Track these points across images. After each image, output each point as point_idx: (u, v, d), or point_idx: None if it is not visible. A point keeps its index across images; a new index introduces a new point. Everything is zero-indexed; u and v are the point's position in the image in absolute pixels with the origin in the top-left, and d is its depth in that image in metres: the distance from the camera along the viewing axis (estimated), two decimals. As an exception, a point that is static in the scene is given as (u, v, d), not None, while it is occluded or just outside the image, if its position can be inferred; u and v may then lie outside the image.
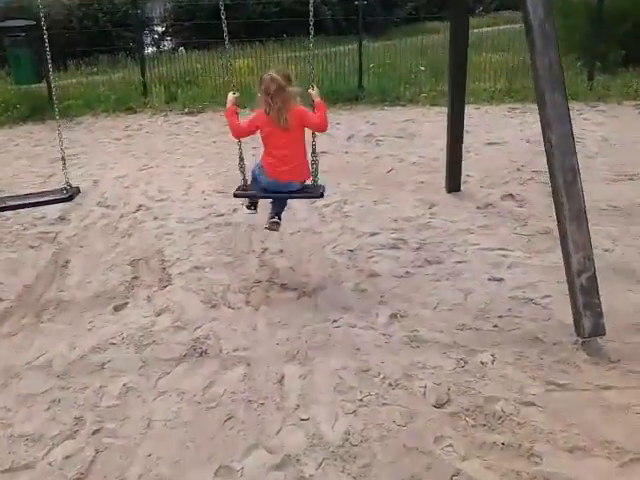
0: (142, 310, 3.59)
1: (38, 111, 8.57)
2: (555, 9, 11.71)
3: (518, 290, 3.62)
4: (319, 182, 3.78)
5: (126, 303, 3.69)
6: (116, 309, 3.62)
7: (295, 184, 3.75)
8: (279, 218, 3.90)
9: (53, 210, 5.11)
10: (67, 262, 4.34)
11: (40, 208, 4.83)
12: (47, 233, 4.85)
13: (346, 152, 6.57)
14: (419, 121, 7.79)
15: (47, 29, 3.79)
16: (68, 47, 12.53)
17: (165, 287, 3.87)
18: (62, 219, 5.10)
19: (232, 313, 3.53)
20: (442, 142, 6.68)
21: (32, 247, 4.62)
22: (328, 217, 4.85)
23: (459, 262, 4.01)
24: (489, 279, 3.76)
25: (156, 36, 18.16)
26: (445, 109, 8.57)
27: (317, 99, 3.73)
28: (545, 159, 3.24)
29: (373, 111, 8.45)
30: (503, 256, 4.06)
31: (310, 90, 3.78)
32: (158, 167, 6.30)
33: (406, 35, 12.86)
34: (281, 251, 4.36)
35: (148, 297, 3.74)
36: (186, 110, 8.76)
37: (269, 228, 3.85)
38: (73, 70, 11.48)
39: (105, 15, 15.14)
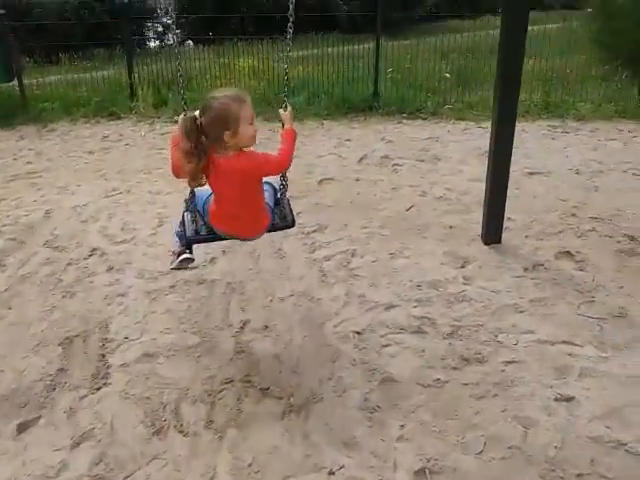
0: (55, 435, 2.50)
1: (7, 115, 7.50)
2: (595, 8, 10.57)
3: (599, 422, 2.49)
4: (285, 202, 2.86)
5: (38, 418, 2.60)
6: (20, 429, 2.54)
7: (255, 237, 2.87)
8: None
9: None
10: (-16, 333, 3.29)
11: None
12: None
13: (357, 179, 5.44)
14: (444, 140, 6.63)
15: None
16: (62, 39, 11.53)
17: (98, 390, 2.78)
18: (-4, 264, 4.04)
19: (183, 445, 2.44)
20: (471, 169, 5.60)
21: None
22: (330, 276, 3.74)
23: (509, 362, 2.88)
24: (556, 399, 2.64)
25: (160, 29, 17.11)
26: (472, 125, 7.56)
27: (287, 125, 2.70)
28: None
29: (389, 125, 7.30)
30: (569, 355, 2.93)
31: (281, 110, 2.75)
32: (129, 193, 5.20)
33: (425, 34, 11.70)
34: (266, 327, 3.26)
35: (70, 409, 2.65)
36: (176, 118, 7.64)
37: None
38: (67, 65, 10.42)
39: (102, 4, 14.13)
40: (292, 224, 2.85)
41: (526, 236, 4.20)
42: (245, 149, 2.54)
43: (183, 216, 2.85)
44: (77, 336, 3.22)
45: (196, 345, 3.11)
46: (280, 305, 3.46)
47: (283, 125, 2.71)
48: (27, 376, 2.89)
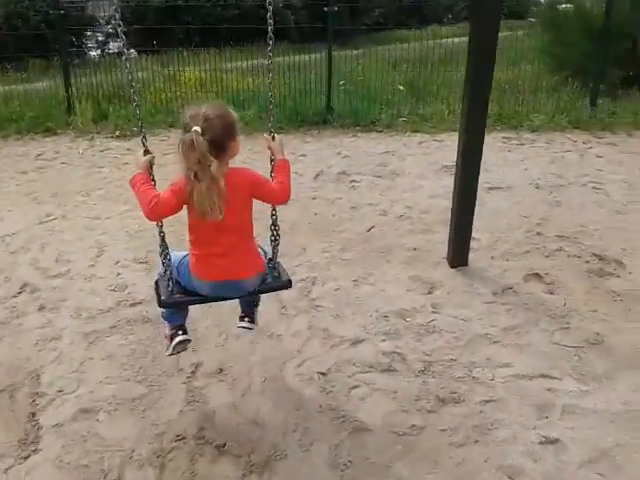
0: (-29, 523, 2.11)
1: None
2: (542, 19, 10.71)
3: (589, 468, 2.30)
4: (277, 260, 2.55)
5: (-50, 501, 2.21)
6: None
7: (251, 281, 2.43)
8: (251, 320, 2.71)
9: None
10: None
11: None
12: None
13: (314, 198, 5.17)
14: (400, 154, 6.45)
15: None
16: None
17: (26, 459, 2.39)
18: None
19: (128, 526, 2.10)
20: (431, 184, 5.44)
21: None
22: (290, 307, 3.44)
23: (487, 401, 2.67)
24: (540, 442, 2.43)
25: (101, 38, 16.42)
26: (428, 137, 7.42)
27: (279, 156, 2.43)
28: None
29: (345, 138, 7.08)
30: (549, 390, 2.74)
31: (267, 138, 2.47)
32: (64, 218, 4.74)
33: (373, 43, 11.62)
34: (220, 371, 2.93)
35: (-9, 486, 2.26)
36: (117, 133, 7.21)
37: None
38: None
39: (37, 15, 13.42)
40: (289, 284, 2.53)
41: (492, 257, 4.03)
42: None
43: (157, 284, 2.46)
44: (2, 391, 2.80)
45: (141, 396, 2.75)
46: (236, 344, 3.14)
47: (272, 158, 2.43)
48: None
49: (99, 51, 15.11)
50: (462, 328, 3.21)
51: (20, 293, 3.65)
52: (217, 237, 2.26)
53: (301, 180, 5.55)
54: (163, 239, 2.35)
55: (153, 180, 2.31)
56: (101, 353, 3.05)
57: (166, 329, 2.56)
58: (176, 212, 2.23)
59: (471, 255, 3.96)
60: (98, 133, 7.30)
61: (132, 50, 13.45)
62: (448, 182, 4.44)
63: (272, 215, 2.50)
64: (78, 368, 2.94)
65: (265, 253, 2.54)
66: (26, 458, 2.38)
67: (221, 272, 2.31)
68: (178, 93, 8.46)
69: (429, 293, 3.59)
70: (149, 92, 8.32)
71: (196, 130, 2.05)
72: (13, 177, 5.81)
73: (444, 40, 10.29)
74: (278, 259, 2.54)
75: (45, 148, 6.76)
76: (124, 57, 2.33)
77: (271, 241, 2.52)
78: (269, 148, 2.44)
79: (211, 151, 2.06)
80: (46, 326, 3.30)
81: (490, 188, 5.30)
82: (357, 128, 7.43)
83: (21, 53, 10.65)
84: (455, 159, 3.82)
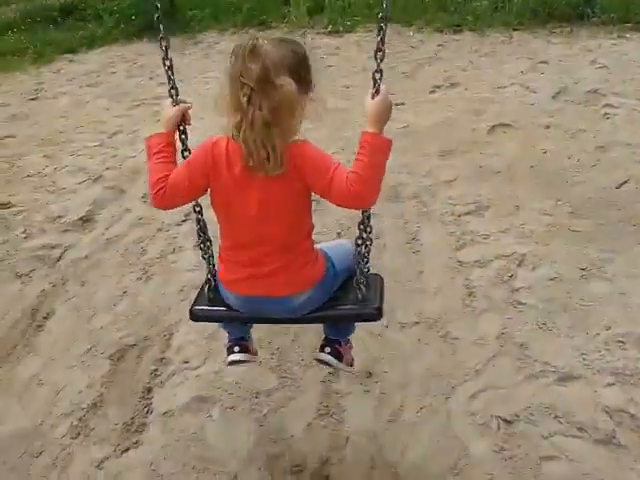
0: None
1: (155, 24, 6.92)
2: None
3: None
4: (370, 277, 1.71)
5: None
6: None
7: (297, 301, 1.63)
8: (335, 353, 1.84)
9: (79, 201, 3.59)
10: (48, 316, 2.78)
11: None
12: (52, 248, 3.29)
13: (547, 127, 3.90)
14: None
15: None
16: None
17: (123, 453, 2.05)
18: (85, 221, 3.51)
19: None
20: None
21: (19, 276, 3.10)
22: (480, 297, 2.51)
23: None
24: None
25: None
26: None
27: (373, 126, 1.48)
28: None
29: (606, 41, 5.32)
30: None
31: (368, 97, 1.52)
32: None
33: None
34: (369, 375, 2.26)
35: (80, 481, 1.98)
36: (329, 28, 6.47)
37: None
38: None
39: None
40: (376, 315, 1.67)
41: None
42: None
43: (202, 287, 1.81)
44: (134, 346, 2.53)
45: (268, 391, 2.23)
46: (396, 335, 2.40)
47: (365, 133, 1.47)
48: (58, 405, 2.27)
49: None
50: None
51: (184, 222, 3.35)
52: (249, 238, 1.56)
53: (533, 99, 4.27)
54: (202, 227, 1.73)
55: (185, 147, 1.65)
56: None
57: (225, 338, 1.94)
58: (195, 197, 1.60)
59: None
60: (312, 27, 6.65)
61: None
62: None
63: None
64: (213, 334, 2.51)
65: (348, 249, 1.73)
66: (124, 452, 2.05)
67: (250, 285, 1.61)
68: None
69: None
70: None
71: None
72: (217, 78, 5.55)
73: None
74: (367, 271, 1.68)
75: (255, 44, 6.37)
76: None
77: (356, 245, 1.64)
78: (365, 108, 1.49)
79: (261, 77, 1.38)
80: (196, 269, 2.93)
81: None
82: (627, 26, 5.53)
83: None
84: None
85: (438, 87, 4.75)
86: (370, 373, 2.25)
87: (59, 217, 3.54)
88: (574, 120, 3.96)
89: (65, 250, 3.26)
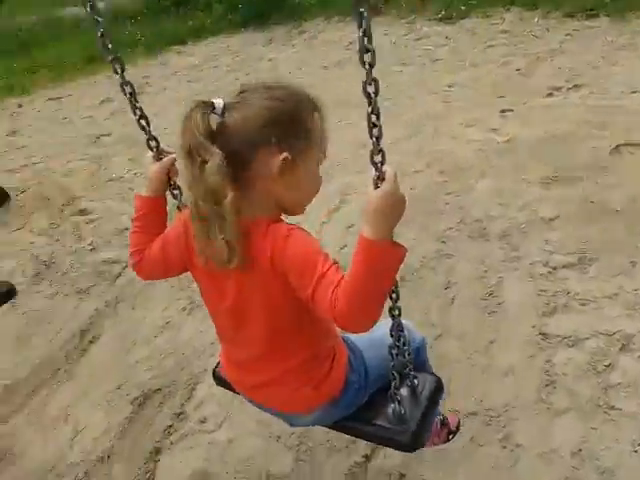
0: None
1: (262, 13, 6.74)
2: None
3: None
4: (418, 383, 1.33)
5: None
6: None
7: (302, 419, 1.37)
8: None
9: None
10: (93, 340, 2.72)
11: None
12: (113, 263, 3.23)
13: None
14: None
15: None
16: None
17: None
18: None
19: None
20: None
21: (78, 291, 3.07)
22: (562, 389, 1.98)
23: None
24: None
25: None
26: None
27: (371, 232, 1.02)
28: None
29: None
30: None
31: (370, 186, 1.04)
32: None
33: None
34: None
35: None
36: (442, 14, 5.84)
37: None
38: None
39: None
40: (409, 444, 1.26)
41: None
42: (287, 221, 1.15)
43: None
44: (158, 391, 2.36)
45: (284, 476, 1.92)
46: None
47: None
48: (73, 449, 2.16)
49: None
50: None
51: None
52: (231, 336, 1.30)
53: None
54: None
55: (179, 201, 1.38)
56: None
57: None
58: (179, 274, 1.33)
59: None
60: (422, 14, 6.07)
61: None
62: None
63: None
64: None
65: (360, 364, 1.35)
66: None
67: (249, 390, 1.37)
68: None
69: None
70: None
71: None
72: (314, 73, 5.23)
73: None
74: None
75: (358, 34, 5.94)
76: None
77: (390, 352, 1.24)
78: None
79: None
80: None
81: None
82: None
83: None
84: None
85: (557, 89, 4.02)
86: (403, 475, 1.86)
87: (126, 229, 3.47)
88: None
89: (125, 267, 3.18)
